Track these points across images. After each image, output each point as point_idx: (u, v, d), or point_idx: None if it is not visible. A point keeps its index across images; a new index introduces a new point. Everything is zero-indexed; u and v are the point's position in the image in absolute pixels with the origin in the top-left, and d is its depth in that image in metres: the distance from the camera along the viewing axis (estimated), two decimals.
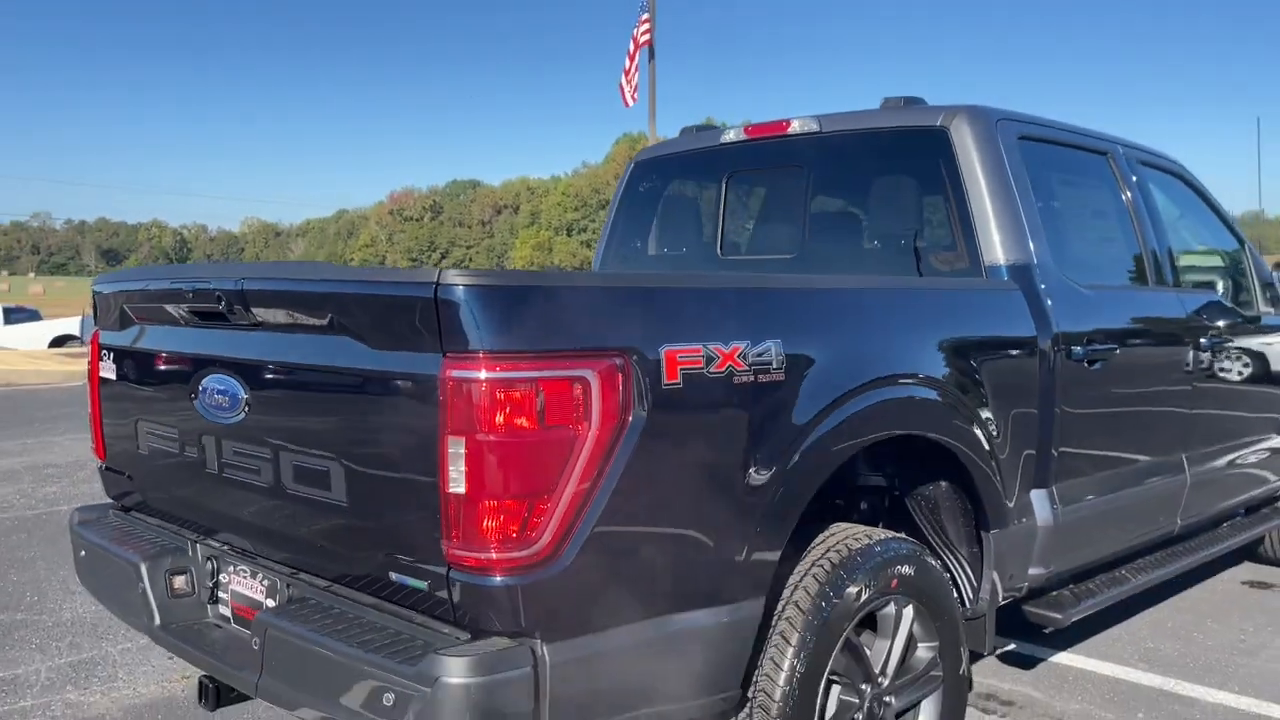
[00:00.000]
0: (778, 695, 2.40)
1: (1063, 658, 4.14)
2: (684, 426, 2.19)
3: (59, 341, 22.26)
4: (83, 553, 3.05)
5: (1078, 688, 3.86)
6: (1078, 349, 3.29)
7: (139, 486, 3.03)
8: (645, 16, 29.55)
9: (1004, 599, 3.18)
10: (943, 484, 3.02)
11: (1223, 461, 4.22)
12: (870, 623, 2.70)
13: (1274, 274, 4.62)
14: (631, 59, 30.31)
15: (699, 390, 2.20)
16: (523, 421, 1.95)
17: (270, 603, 2.48)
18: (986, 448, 2.96)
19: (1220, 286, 4.41)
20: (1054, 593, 3.47)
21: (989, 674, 3.99)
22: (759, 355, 2.31)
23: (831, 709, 2.59)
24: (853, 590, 2.52)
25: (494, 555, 1.95)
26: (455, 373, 1.94)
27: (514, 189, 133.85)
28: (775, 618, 2.45)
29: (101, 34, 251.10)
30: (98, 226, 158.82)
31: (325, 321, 2.22)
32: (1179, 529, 4.01)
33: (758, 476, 2.30)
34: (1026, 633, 4.30)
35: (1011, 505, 3.08)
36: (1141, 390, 3.68)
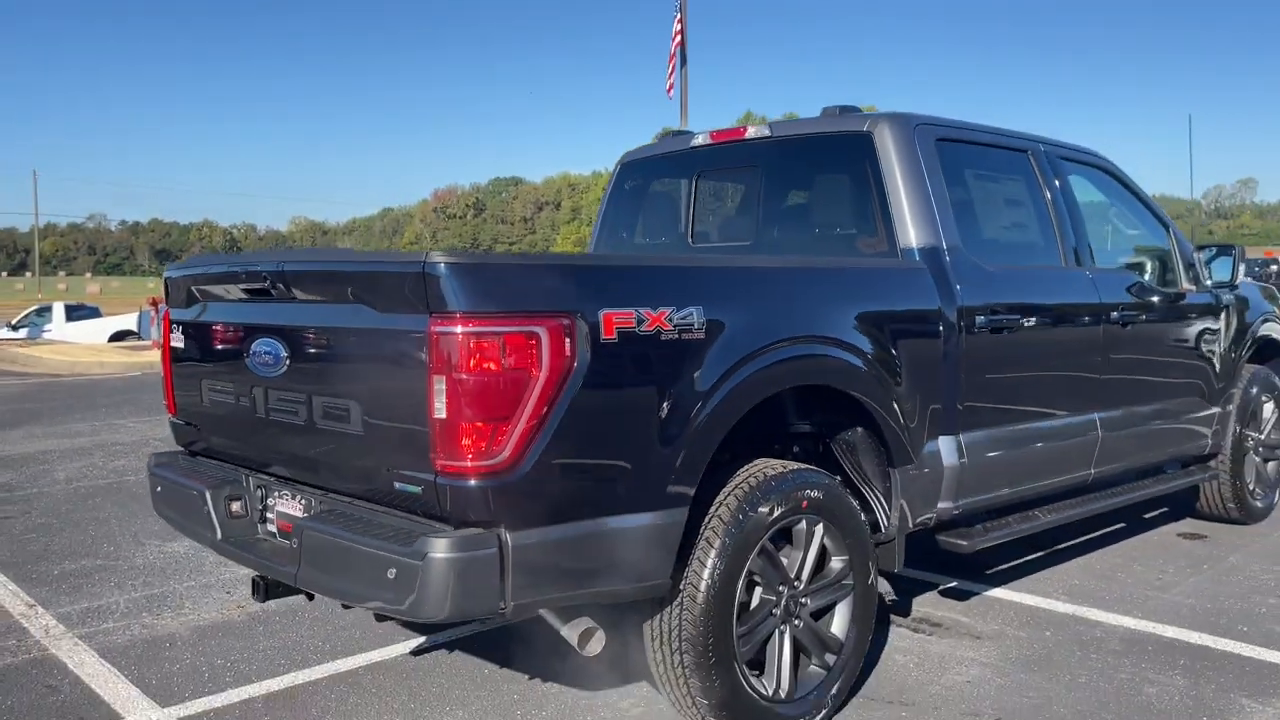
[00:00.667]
0: (702, 587, 3.04)
1: (996, 592, 4.75)
2: (619, 372, 2.84)
3: (118, 337, 23.35)
4: (159, 488, 3.77)
5: (1000, 614, 4.46)
6: (981, 319, 3.90)
7: (202, 434, 3.74)
8: (678, 17, 30.17)
9: (915, 527, 3.79)
10: (858, 430, 3.65)
11: (1139, 420, 4.78)
12: (788, 537, 3.34)
13: (1195, 255, 5.16)
14: (673, 57, 30.96)
15: (632, 344, 2.85)
16: (490, 365, 2.61)
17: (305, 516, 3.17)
18: (892, 400, 3.58)
19: (1148, 267, 4.98)
20: (968, 526, 4.08)
21: (928, 605, 4.60)
22: (683, 318, 2.96)
23: (754, 603, 3.23)
24: (765, 508, 3.16)
25: (469, 464, 2.62)
26: (438, 328, 2.60)
27: (555, 185, 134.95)
28: (703, 528, 3.09)
29: (152, 40, 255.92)
30: (151, 227, 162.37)
31: (345, 293, 2.90)
32: (1094, 478, 4.59)
33: (680, 412, 2.94)
34: (968, 573, 4.94)
35: (917, 449, 3.70)
36: (1048, 355, 4.27)
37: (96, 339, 23.18)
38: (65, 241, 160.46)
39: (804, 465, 3.41)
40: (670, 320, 2.93)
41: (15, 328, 27.11)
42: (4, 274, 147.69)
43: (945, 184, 3.97)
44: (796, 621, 3.33)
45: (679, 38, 30.61)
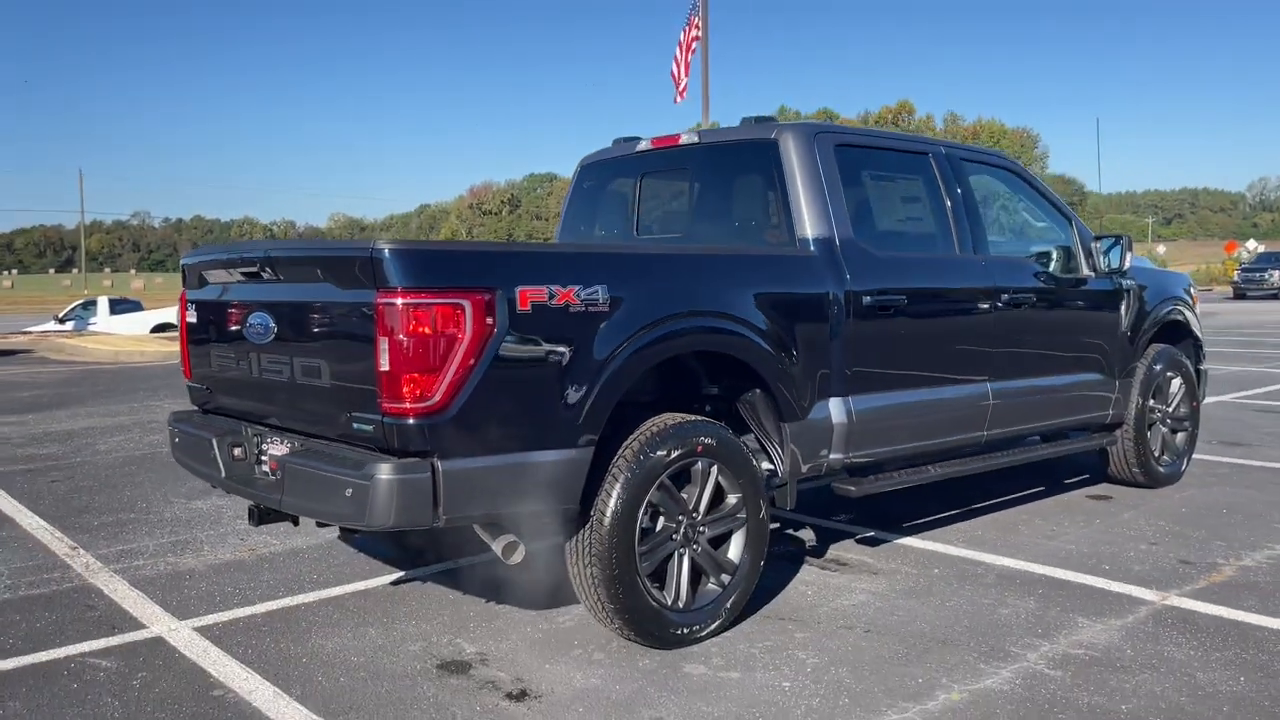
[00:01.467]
0: (609, 513, 3.75)
1: (904, 540, 5.42)
2: (533, 336, 3.55)
3: (160, 329, 24.40)
4: (177, 439, 4.54)
5: (901, 556, 5.14)
6: (868, 300, 4.57)
7: (211, 394, 4.51)
8: (695, 19, 30.79)
9: (807, 473, 4.48)
10: (757, 392, 4.34)
11: (1032, 390, 5.43)
12: (687, 476, 4.03)
13: (1093, 244, 5.78)
14: (678, 63, 31.55)
15: (544, 315, 3.56)
16: (424, 329, 3.33)
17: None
18: (783, 367, 4.27)
19: (1053, 255, 5.62)
20: (860, 475, 4.75)
21: (842, 550, 5.28)
22: (589, 294, 3.67)
23: (656, 529, 3.93)
24: (663, 451, 3.86)
25: (407, 406, 3.35)
26: (383, 301, 3.33)
27: None
28: (611, 465, 3.79)
29: (193, 40, 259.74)
30: (193, 224, 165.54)
31: (315, 274, 3.65)
32: (987, 439, 5.25)
33: (586, 370, 3.65)
34: (886, 525, 5.62)
35: (807, 409, 4.38)
36: (936, 331, 4.94)
37: (139, 330, 24.25)
38: (110, 239, 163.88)
39: (701, 418, 4.10)
40: (578, 296, 3.64)
41: (62, 320, 28.37)
42: (52, 270, 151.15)
43: (841, 184, 4.64)
44: (695, 546, 4.04)
45: (696, 37, 31.24)
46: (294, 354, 3.81)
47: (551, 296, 3.58)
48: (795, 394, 4.33)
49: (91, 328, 26.27)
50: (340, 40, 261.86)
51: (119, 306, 29.05)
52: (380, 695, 3.59)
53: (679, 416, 4.03)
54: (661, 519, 3.96)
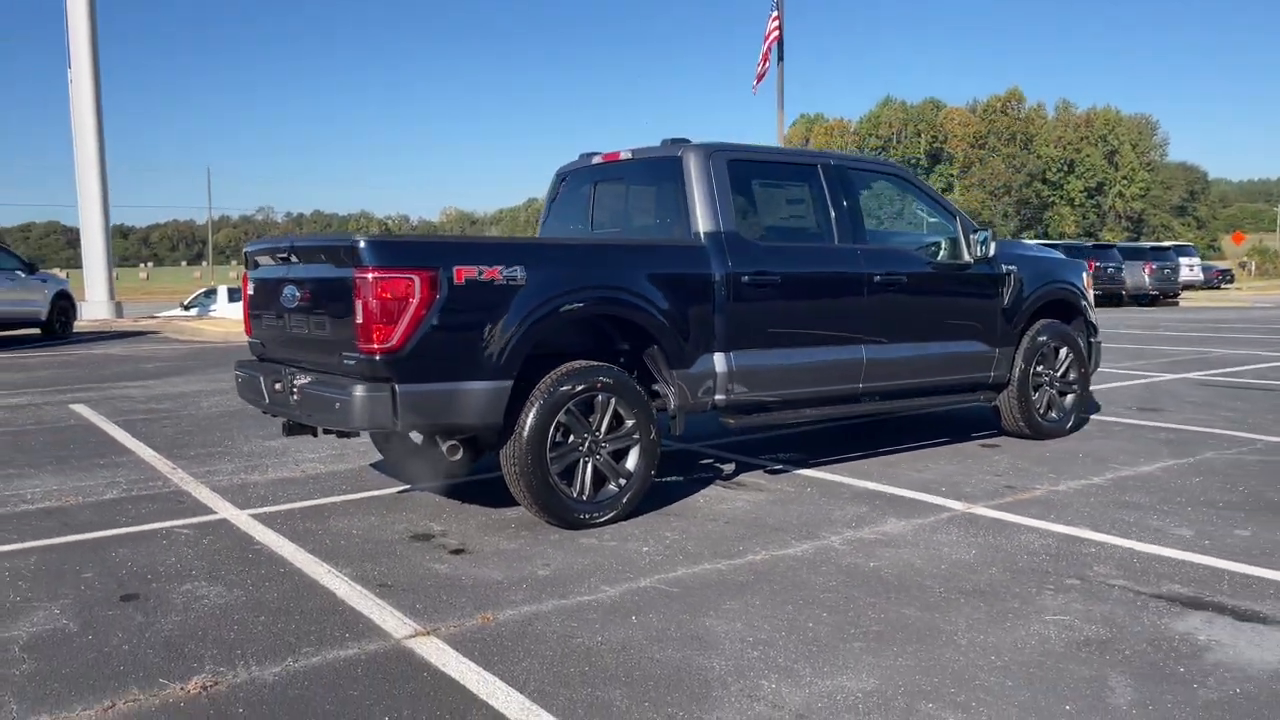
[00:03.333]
0: (527, 429, 5.28)
1: (803, 471, 6.82)
2: (467, 301, 5.11)
3: None
4: (239, 379, 6.26)
5: (790, 481, 6.56)
6: (746, 278, 6.01)
7: (262, 346, 6.21)
8: (775, 15, 32.04)
9: (694, 407, 5.95)
10: (654, 346, 5.83)
11: (908, 353, 6.77)
12: (592, 405, 5.54)
13: (972, 236, 7.06)
14: (766, 53, 32.78)
15: (475, 286, 5.12)
16: (385, 295, 4.92)
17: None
18: (670, 328, 5.74)
19: (942, 245, 6.97)
20: (746, 414, 6.19)
21: (751, 476, 6.71)
22: (509, 272, 5.22)
23: (567, 442, 5.45)
24: (568, 386, 5.38)
25: (375, 347, 4.95)
26: (359, 276, 4.94)
27: None
28: (530, 395, 5.33)
29: (312, 38, 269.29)
30: (314, 219, 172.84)
31: (320, 257, 5.29)
32: (863, 390, 6.62)
33: (506, 325, 5.19)
34: (799, 459, 7.03)
35: (692, 360, 5.85)
36: (808, 303, 6.32)
37: None
38: (237, 233, 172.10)
39: (603, 363, 5.60)
40: (501, 274, 5.20)
41: (187, 307, 31.28)
42: (184, 263, 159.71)
43: (730, 190, 6.09)
44: (598, 456, 5.55)
45: (776, 32, 32.41)
46: (310, 314, 5.46)
47: (480, 273, 5.14)
48: (681, 349, 5.81)
49: (211, 313, 28.96)
50: (450, 41, 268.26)
51: (235, 295, 31.82)
52: (365, 549, 5.21)
53: (585, 362, 5.56)
54: (572, 436, 5.49)
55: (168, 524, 5.77)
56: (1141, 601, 4.31)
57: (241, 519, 5.87)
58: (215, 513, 6.03)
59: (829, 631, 4.03)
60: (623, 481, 5.63)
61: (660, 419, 5.87)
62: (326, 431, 5.74)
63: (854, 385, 6.58)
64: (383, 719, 3.35)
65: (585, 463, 5.54)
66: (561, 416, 5.40)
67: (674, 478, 6.63)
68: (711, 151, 6.16)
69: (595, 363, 5.60)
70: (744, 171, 6.29)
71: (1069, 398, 7.85)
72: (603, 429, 5.57)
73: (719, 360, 5.98)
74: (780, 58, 32.70)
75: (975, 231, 7.08)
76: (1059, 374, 7.75)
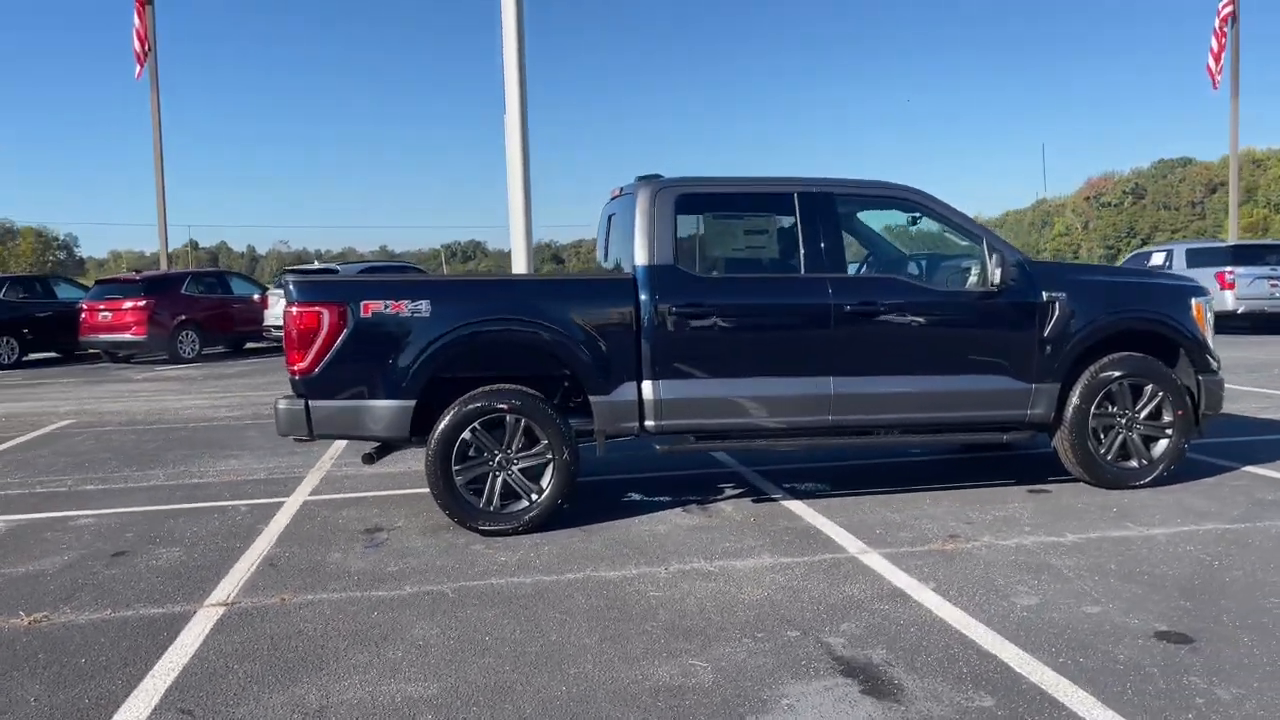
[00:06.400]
0: (437, 440, 6.04)
1: (788, 502, 6.73)
2: (374, 331, 5.99)
3: None
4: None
5: (749, 512, 6.55)
6: (674, 310, 6.19)
7: None
8: None
9: (617, 433, 6.27)
10: (573, 373, 6.25)
11: (897, 386, 6.42)
12: (502, 424, 6.13)
13: (990, 262, 6.44)
14: (1218, 40, 29.42)
15: (382, 318, 5.99)
16: (302, 325, 5.97)
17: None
18: (586, 356, 6.14)
19: (953, 272, 6.56)
20: (679, 439, 6.34)
21: (728, 504, 6.81)
22: (415, 306, 6.00)
23: (475, 456, 6.09)
24: (474, 406, 6.04)
25: (295, 369, 6.01)
26: (289, 309, 6.03)
27: (1230, 164, 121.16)
28: (444, 410, 6.07)
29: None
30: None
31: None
32: (835, 422, 6.42)
33: (410, 352, 5.98)
34: (804, 494, 7.02)
35: (613, 387, 6.18)
36: (756, 334, 6.29)
37: None
38: None
39: (514, 387, 6.16)
40: (407, 307, 6.01)
41: None
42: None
43: (673, 225, 6.32)
44: (509, 472, 6.13)
45: (1227, 18, 28.99)
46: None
47: (387, 307, 6.00)
48: (600, 377, 6.18)
49: None
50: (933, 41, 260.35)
51: None
52: (320, 535, 6.28)
53: (496, 386, 6.17)
54: (483, 451, 6.13)
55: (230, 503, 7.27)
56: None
57: (300, 499, 7.23)
58: (284, 497, 7.45)
59: (501, 644, 4.39)
60: (534, 497, 6.15)
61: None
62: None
63: (821, 417, 6.42)
64: None
65: (495, 477, 6.14)
66: (466, 433, 6.07)
67: (635, 497, 6.96)
68: (660, 188, 6.42)
69: (510, 387, 6.18)
70: (695, 205, 6.45)
71: (1161, 443, 6.81)
72: (514, 447, 6.14)
73: (646, 388, 6.24)
74: (1233, 21, 28.98)
75: (992, 256, 6.48)
76: (1140, 415, 6.77)
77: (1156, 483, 6.79)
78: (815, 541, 5.81)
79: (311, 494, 7.48)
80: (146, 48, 24.33)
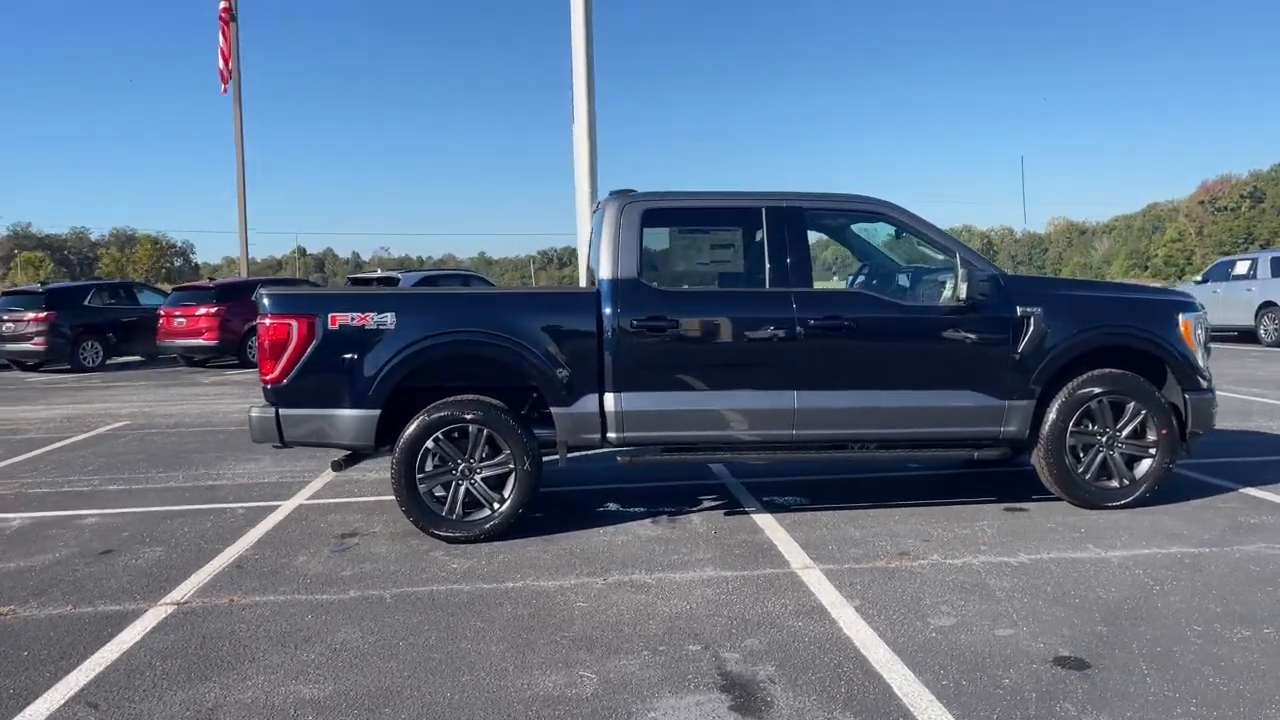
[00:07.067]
0: (399, 448, 6.21)
1: (759, 515, 6.73)
2: (341, 342, 6.19)
3: None
4: None
5: (718, 525, 6.57)
6: (635, 323, 6.26)
7: None
8: None
9: (580, 444, 6.36)
10: (534, 384, 6.37)
11: (861, 401, 6.36)
12: (465, 434, 6.27)
13: (959, 276, 6.33)
14: None
15: (348, 330, 6.19)
16: (274, 336, 6.21)
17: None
18: (549, 371, 6.24)
19: (921, 287, 6.51)
20: (643, 451, 6.41)
21: (700, 514, 6.84)
22: (380, 319, 6.19)
23: (436, 464, 6.24)
24: (438, 415, 6.20)
25: (267, 378, 6.25)
26: (259, 320, 6.27)
27: None
28: (409, 420, 6.25)
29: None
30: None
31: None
32: (798, 437, 6.40)
33: (375, 362, 6.17)
34: (785, 505, 7.02)
35: (574, 399, 6.27)
36: (715, 348, 6.30)
37: None
38: None
39: (477, 398, 6.31)
40: (373, 320, 6.20)
41: None
42: None
43: (638, 239, 6.38)
44: (471, 481, 6.28)
45: None
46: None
47: (353, 319, 6.21)
48: (560, 389, 6.29)
49: None
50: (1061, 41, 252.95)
51: None
52: (298, 538, 6.52)
53: (460, 397, 6.32)
54: (446, 459, 6.28)
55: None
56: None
57: (298, 503, 7.50)
58: (282, 501, 7.73)
59: (412, 649, 4.54)
60: (496, 505, 6.29)
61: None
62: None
63: (785, 431, 6.41)
64: None
65: (458, 485, 6.30)
66: (430, 443, 6.24)
67: (612, 507, 7.04)
68: (627, 203, 6.49)
69: (475, 398, 6.33)
70: (661, 219, 6.51)
71: (1145, 463, 6.62)
72: (477, 456, 6.28)
73: (609, 401, 6.32)
74: None
75: (961, 269, 6.38)
76: (1122, 434, 6.59)
77: (1139, 503, 6.60)
78: (764, 556, 5.82)
79: (310, 498, 7.74)
80: (230, 66, 25.24)
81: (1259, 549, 5.70)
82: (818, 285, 6.64)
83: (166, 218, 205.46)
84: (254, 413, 6.34)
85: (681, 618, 4.83)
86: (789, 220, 6.51)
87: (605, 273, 6.39)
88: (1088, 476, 6.59)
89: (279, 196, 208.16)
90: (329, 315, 6.20)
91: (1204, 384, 6.70)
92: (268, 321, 6.24)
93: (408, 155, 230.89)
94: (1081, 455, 6.61)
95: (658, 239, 6.60)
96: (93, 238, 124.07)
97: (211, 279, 23.38)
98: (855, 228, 7.47)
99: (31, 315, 20.33)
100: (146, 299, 22.69)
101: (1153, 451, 6.61)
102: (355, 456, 6.66)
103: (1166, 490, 6.88)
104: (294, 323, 6.20)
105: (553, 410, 6.34)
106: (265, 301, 6.29)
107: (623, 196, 6.55)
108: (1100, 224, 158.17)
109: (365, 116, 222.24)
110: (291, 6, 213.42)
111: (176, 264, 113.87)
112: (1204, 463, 8.02)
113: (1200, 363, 6.69)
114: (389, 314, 6.22)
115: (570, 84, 12.47)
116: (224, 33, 25.26)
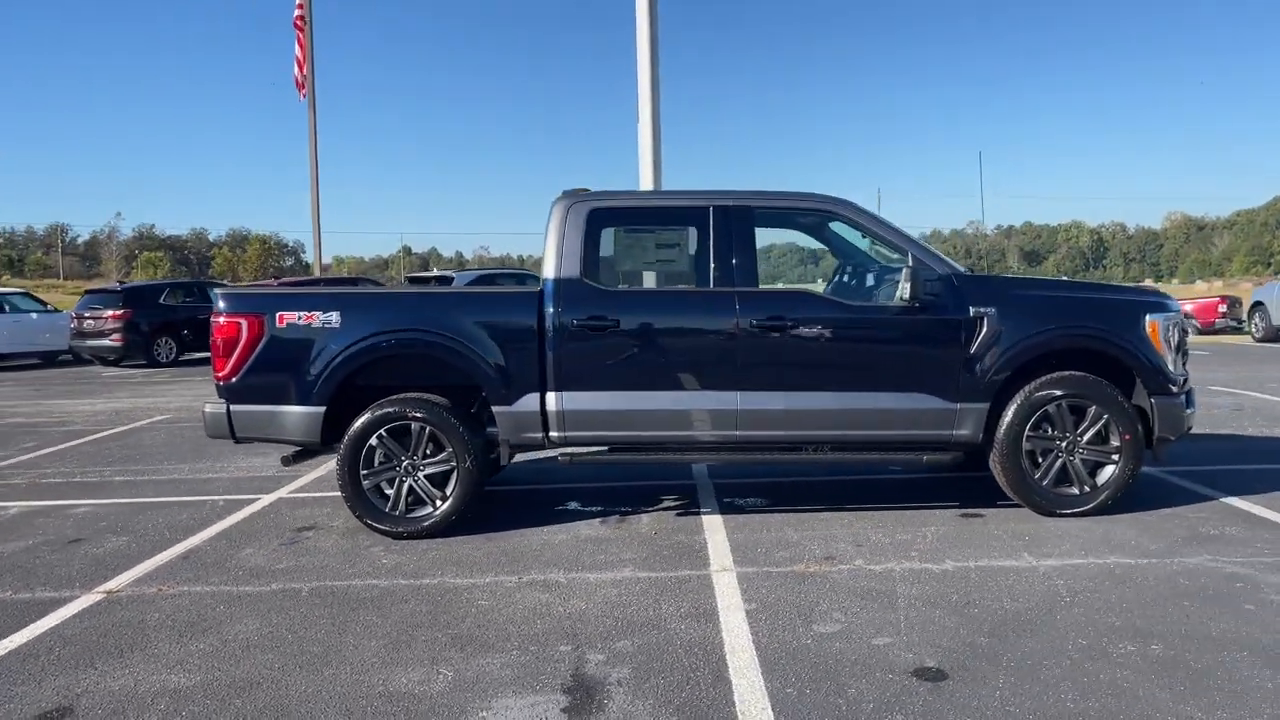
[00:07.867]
0: (345, 445, 6.34)
1: (711, 515, 6.68)
2: (287, 340, 6.34)
3: None
4: None
5: (663, 526, 6.54)
6: (576, 323, 6.26)
7: None
8: None
9: (521, 442, 6.39)
10: (476, 383, 6.42)
11: (804, 403, 6.25)
12: (409, 431, 6.36)
13: (902, 275, 6.17)
14: None
15: (295, 328, 6.33)
16: (225, 334, 6.39)
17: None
18: (488, 367, 6.29)
19: (855, 285, 6.39)
20: (585, 449, 6.40)
21: (658, 518, 6.82)
22: (325, 317, 6.32)
23: (380, 461, 6.35)
24: (383, 412, 6.31)
25: (219, 375, 6.44)
26: (214, 319, 6.47)
27: None
28: (355, 418, 6.37)
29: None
30: (1023, 230, 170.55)
31: None
32: (741, 438, 6.31)
33: (320, 360, 6.30)
34: (744, 507, 6.96)
35: (515, 398, 6.30)
36: (656, 348, 6.25)
37: None
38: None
39: (420, 396, 6.39)
40: (318, 319, 6.34)
41: None
42: None
43: (583, 239, 6.38)
44: (415, 478, 6.37)
45: None
46: None
47: (300, 318, 6.35)
48: (503, 387, 6.33)
49: None
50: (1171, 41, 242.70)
51: None
52: (257, 531, 6.70)
53: (404, 395, 6.41)
54: (390, 456, 6.38)
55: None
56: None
57: (283, 497, 7.71)
58: (259, 497, 7.95)
59: (295, 642, 4.64)
60: (438, 503, 6.37)
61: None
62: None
63: (728, 432, 6.34)
64: None
65: (402, 482, 6.39)
66: (374, 440, 6.34)
67: (572, 505, 7.05)
68: (573, 203, 6.50)
69: (418, 395, 6.42)
70: (606, 219, 6.48)
71: (1107, 469, 6.35)
72: (420, 453, 6.37)
73: (550, 400, 6.34)
74: None
75: (907, 269, 6.20)
76: (1083, 439, 6.34)
77: (1100, 510, 6.34)
78: (688, 557, 5.77)
79: (292, 491, 7.94)
80: (305, 72, 25.96)
81: (1201, 562, 5.42)
82: (780, 285, 6.55)
83: (283, 218, 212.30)
84: (207, 409, 6.54)
85: (571, 618, 4.83)
86: (736, 220, 6.43)
87: (549, 272, 6.41)
88: (1045, 482, 6.36)
89: (383, 198, 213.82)
90: (276, 314, 6.36)
91: (1173, 388, 6.40)
92: (220, 320, 6.42)
93: (505, 155, 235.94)
94: (1040, 460, 6.38)
95: (605, 239, 6.57)
96: (210, 238, 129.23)
97: (276, 278, 24.21)
98: (834, 226, 7.33)
99: (110, 313, 21.28)
100: None
101: (1115, 458, 6.34)
102: (305, 452, 6.81)
103: (1139, 497, 6.61)
104: (243, 321, 6.37)
105: (494, 409, 6.38)
106: (220, 300, 6.48)
107: (570, 196, 6.56)
108: (1220, 219, 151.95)
109: (467, 123, 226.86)
110: (397, 11, 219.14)
111: (288, 263, 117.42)
112: (1196, 470, 7.67)
113: (1169, 365, 6.39)
114: (334, 313, 6.35)
115: (635, 87, 12.72)
116: (299, 40, 26.00)
